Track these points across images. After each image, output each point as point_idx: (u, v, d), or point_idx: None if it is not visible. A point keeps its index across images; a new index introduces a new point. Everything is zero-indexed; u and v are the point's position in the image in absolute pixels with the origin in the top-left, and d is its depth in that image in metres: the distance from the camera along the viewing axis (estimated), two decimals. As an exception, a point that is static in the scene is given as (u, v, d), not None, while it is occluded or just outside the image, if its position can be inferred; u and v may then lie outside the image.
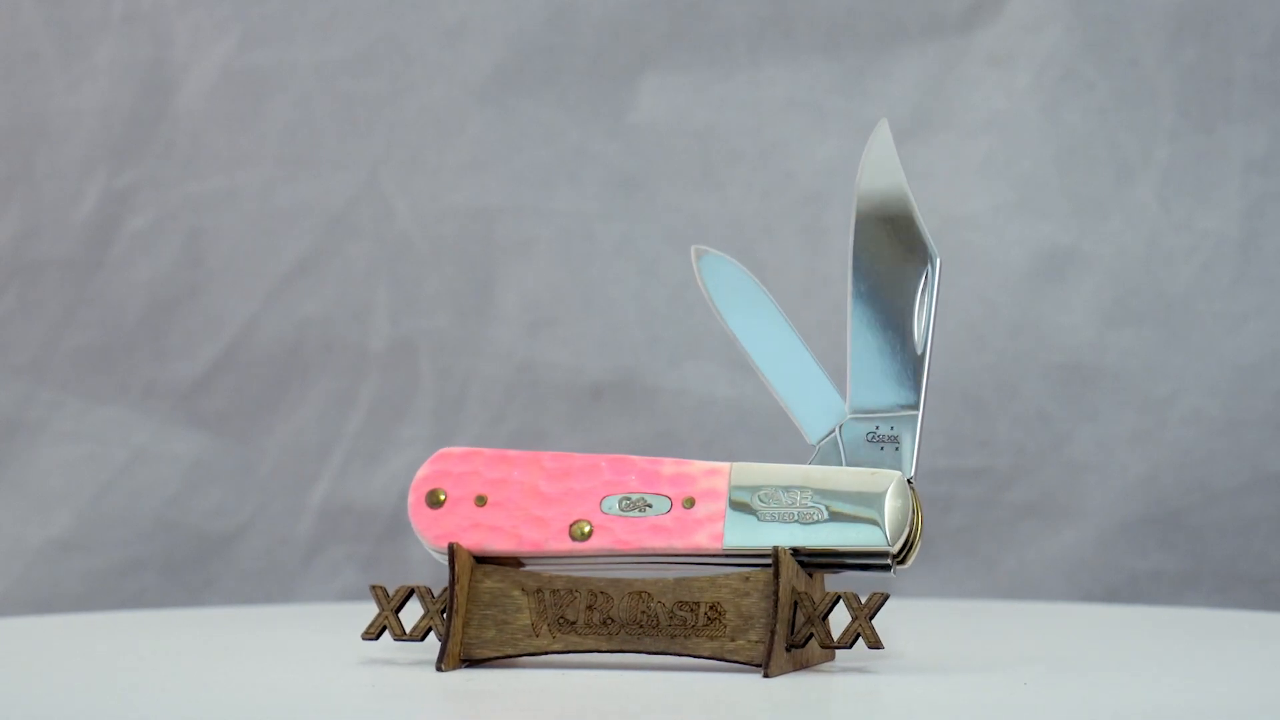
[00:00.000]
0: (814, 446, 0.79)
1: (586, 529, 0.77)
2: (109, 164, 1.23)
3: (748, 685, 0.74)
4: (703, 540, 0.77)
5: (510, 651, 0.76)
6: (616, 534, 0.77)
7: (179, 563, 1.24)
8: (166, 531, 1.23)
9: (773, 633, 0.75)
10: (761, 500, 0.78)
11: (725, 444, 1.22)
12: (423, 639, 0.77)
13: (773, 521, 0.77)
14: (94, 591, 1.23)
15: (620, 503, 0.78)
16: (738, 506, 0.77)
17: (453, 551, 0.77)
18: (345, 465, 1.24)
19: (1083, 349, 1.25)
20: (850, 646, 0.77)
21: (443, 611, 0.77)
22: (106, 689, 0.74)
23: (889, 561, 0.77)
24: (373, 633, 0.78)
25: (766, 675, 0.75)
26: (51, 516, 1.23)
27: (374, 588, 0.78)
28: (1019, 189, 1.26)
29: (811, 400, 0.80)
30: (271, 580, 1.24)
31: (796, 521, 0.77)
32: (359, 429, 1.24)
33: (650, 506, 0.78)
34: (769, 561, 0.77)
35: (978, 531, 1.25)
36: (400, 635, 0.77)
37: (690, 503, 0.77)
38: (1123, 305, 1.25)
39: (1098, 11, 1.25)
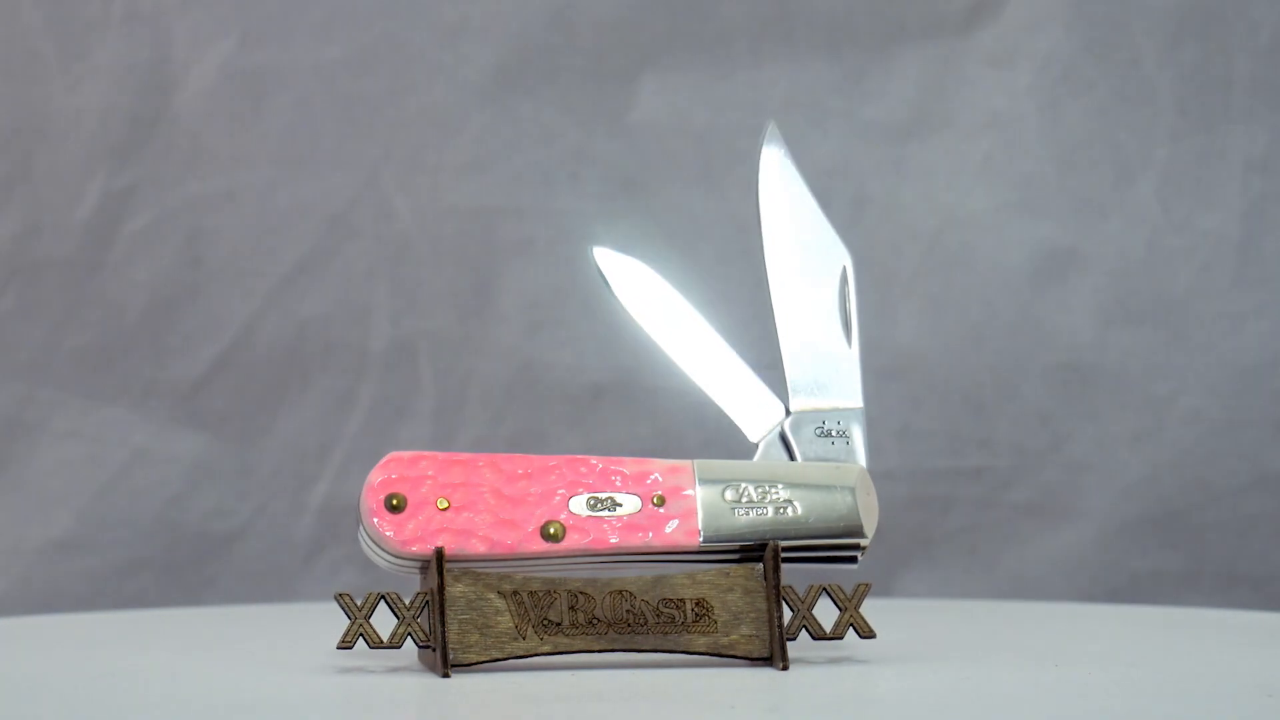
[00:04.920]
0: (756, 444, 0.81)
1: (558, 530, 0.77)
2: (109, 164, 1.23)
3: (770, 679, 0.74)
4: (679, 537, 0.78)
5: (497, 655, 0.76)
6: (591, 534, 0.77)
7: (179, 563, 1.24)
8: (166, 531, 1.23)
9: (780, 627, 0.76)
10: (733, 496, 0.78)
11: (725, 444, 1.22)
12: (401, 646, 0.77)
13: (747, 516, 0.78)
14: (94, 591, 1.23)
15: (588, 502, 0.78)
16: (709, 502, 0.78)
17: (440, 555, 0.76)
18: (345, 465, 1.24)
19: (1083, 349, 1.25)
20: (843, 637, 0.78)
21: (417, 618, 0.76)
22: (106, 689, 0.74)
23: (856, 553, 0.79)
24: (348, 642, 0.76)
25: (784, 668, 0.76)
26: (51, 516, 1.23)
27: (340, 596, 0.76)
28: (1019, 189, 1.26)
29: (745, 398, 0.81)
30: (271, 580, 1.24)
31: (770, 516, 0.78)
32: (359, 429, 1.24)
33: (620, 505, 0.78)
34: (740, 555, 0.78)
35: (978, 531, 1.25)
36: (378, 643, 0.76)
37: (660, 500, 0.78)
38: (1123, 305, 1.25)
39: (1098, 11, 1.25)
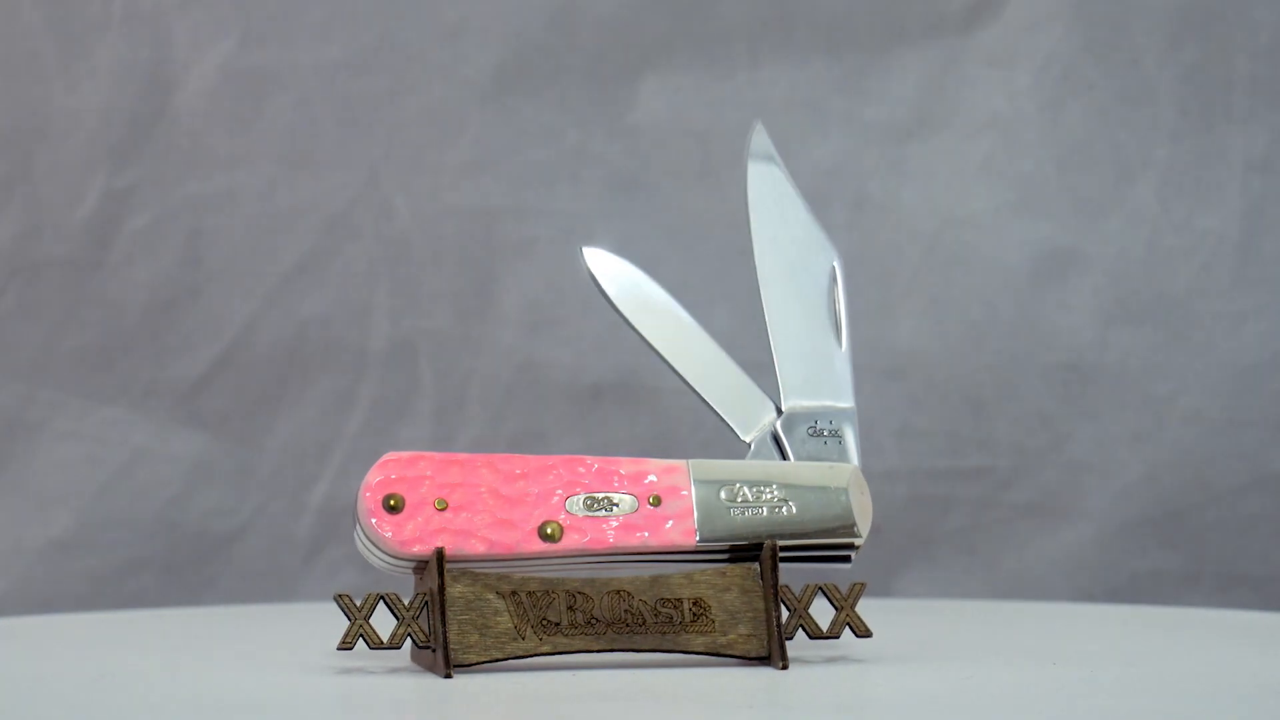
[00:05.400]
0: (747, 443, 0.81)
1: (556, 530, 0.77)
2: (109, 164, 1.23)
3: (772, 679, 0.74)
4: (676, 537, 0.78)
5: (497, 655, 0.76)
6: (589, 534, 0.77)
7: (179, 563, 1.24)
8: (166, 531, 1.23)
9: (779, 626, 0.76)
10: (728, 496, 0.79)
11: (725, 444, 1.22)
12: (401, 647, 0.77)
13: (743, 516, 0.78)
14: (94, 591, 1.23)
15: (585, 502, 0.78)
16: (704, 502, 0.78)
17: (441, 556, 0.76)
18: (345, 465, 1.24)
19: (1083, 349, 1.25)
20: (839, 636, 0.78)
21: (417, 618, 0.76)
22: (106, 689, 0.74)
23: (850, 552, 0.79)
24: (349, 643, 0.76)
25: (784, 668, 0.76)
26: (51, 516, 1.23)
27: (339, 597, 0.76)
28: (1019, 189, 1.26)
29: (736, 398, 0.82)
30: (271, 580, 1.24)
31: (765, 515, 0.78)
32: (359, 429, 1.24)
33: (616, 505, 0.78)
34: (729, 555, 0.78)
35: (978, 531, 1.25)
36: (378, 644, 0.75)
37: (656, 500, 0.78)
38: (1123, 305, 1.25)
39: (1098, 11, 1.25)
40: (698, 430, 1.22)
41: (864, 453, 1.25)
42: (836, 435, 0.81)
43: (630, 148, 1.25)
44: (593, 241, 1.27)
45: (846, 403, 0.82)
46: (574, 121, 1.25)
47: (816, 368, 0.82)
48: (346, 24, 1.24)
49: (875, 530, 1.17)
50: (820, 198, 1.26)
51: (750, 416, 0.82)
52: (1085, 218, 1.25)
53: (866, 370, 1.25)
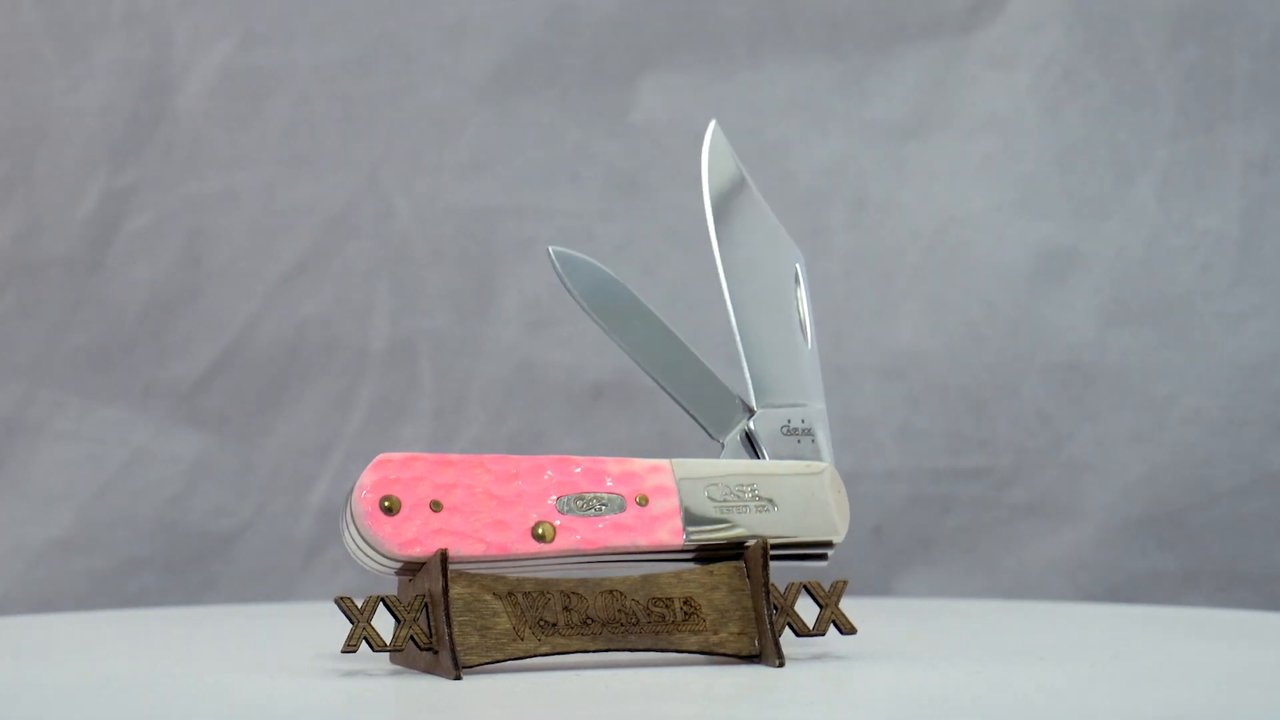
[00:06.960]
0: (720, 443, 0.81)
1: (548, 531, 0.77)
2: (109, 164, 1.23)
3: (776, 677, 0.74)
4: (664, 536, 0.78)
5: (498, 656, 0.76)
6: (580, 534, 0.77)
7: (179, 563, 1.24)
8: (166, 531, 1.23)
9: (772, 624, 0.77)
10: (713, 495, 0.79)
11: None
12: (404, 649, 0.76)
13: (728, 515, 0.79)
14: (94, 591, 1.23)
15: (574, 502, 0.78)
16: (690, 502, 0.79)
17: (444, 557, 0.76)
18: (345, 465, 1.24)
19: (1083, 349, 1.25)
20: (825, 634, 0.79)
21: (416, 620, 0.76)
22: (107, 689, 0.74)
23: (828, 550, 0.79)
24: (353, 645, 0.75)
25: (780, 665, 0.76)
26: (51, 516, 1.23)
27: (340, 600, 0.76)
28: (1019, 189, 1.26)
29: (707, 398, 0.82)
30: (271, 580, 1.24)
31: (749, 514, 0.79)
32: (359, 429, 1.24)
33: (605, 505, 0.78)
34: (695, 555, 0.78)
35: (978, 531, 1.25)
36: (381, 646, 0.75)
37: (644, 500, 0.78)
38: (1123, 305, 1.25)
39: (1098, 11, 1.25)
40: (697, 430, 1.22)
41: (864, 452, 1.25)
42: (810, 434, 0.81)
43: (630, 148, 1.26)
44: (593, 241, 1.27)
45: (817, 402, 0.82)
46: (574, 121, 1.25)
47: (785, 368, 0.82)
48: (346, 24, 1.24)
49: (875, 530, 1.17)
50: (820, 198, 1.26)
51: (722, 416, 0.82)
52: (1085, 218, 1.25)
53: (866, 370, 1.25)
